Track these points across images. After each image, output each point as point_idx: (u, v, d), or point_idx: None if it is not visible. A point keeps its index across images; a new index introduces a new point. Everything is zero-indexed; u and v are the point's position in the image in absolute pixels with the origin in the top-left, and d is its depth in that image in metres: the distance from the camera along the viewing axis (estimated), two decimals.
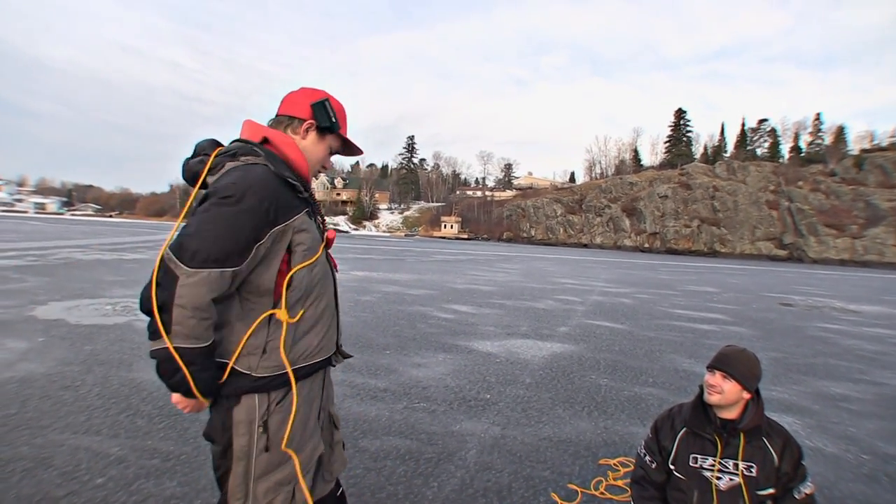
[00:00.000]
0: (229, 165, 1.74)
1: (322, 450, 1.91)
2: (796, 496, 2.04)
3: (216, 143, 1.85)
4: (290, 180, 1.77)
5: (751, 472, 2.14)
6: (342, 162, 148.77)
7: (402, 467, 3.79)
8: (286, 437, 1.75)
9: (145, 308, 1.59)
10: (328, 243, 1.95)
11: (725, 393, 2.19)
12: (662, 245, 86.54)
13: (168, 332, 1.56)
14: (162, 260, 1.59)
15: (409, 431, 4.47)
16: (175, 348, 1.58)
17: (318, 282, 1.84)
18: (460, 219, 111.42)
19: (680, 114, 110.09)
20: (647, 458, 2.42)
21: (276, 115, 1.93)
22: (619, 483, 3.74)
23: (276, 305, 1.74)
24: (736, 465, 2.17)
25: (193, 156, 1.82)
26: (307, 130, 1.87)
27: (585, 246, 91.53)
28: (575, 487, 3.64)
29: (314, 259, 1.80)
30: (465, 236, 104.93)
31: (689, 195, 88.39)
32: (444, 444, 4.26)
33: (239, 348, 1.72)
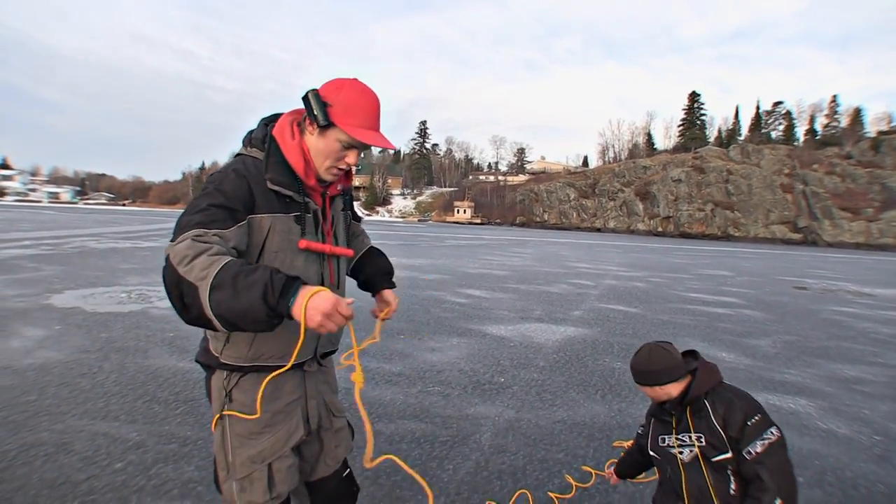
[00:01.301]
0: (238, 153, 1.85)
1: (301, 434, 1.89)
2: (746, 457, 2.07)
3: (264, 121, 1.91)
4: (271, 185, 1.73)
5: (701, 441, 2.20)
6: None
7: (417, 450, 3.81)
8: (243, 411, 1.80)
9: (177, 306, 1.50)
10: (325, 257, 1.90)
11: (670, 394, 2.28)
12: (676, 229, 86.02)
13: (200, 288, 1.44)
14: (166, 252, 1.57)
15: (423, 415, 4.49)
16: (212, 287, 1.43)
17: None
18: (473, 204, 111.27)
19: (694, 97, 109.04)
20: (640, 430, 2.57)
21: None
22: None
23: None
24: (690, 438, 2.24)
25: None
26: (310, 125, 1.78)
27: (599, 230, 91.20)
28: (589, 469, 3.64)
29: (282, 266, 1.74)
30: (478, 221, 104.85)
31: (703, 179, 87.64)
32: (459, 427, 4.28)
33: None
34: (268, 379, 1.75)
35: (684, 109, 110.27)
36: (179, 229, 1.56)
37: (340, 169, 1.84)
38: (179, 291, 1.46)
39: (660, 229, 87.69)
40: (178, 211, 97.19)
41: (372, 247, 2.30)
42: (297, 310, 1.43)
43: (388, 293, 2.19)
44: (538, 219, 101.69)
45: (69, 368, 5.17)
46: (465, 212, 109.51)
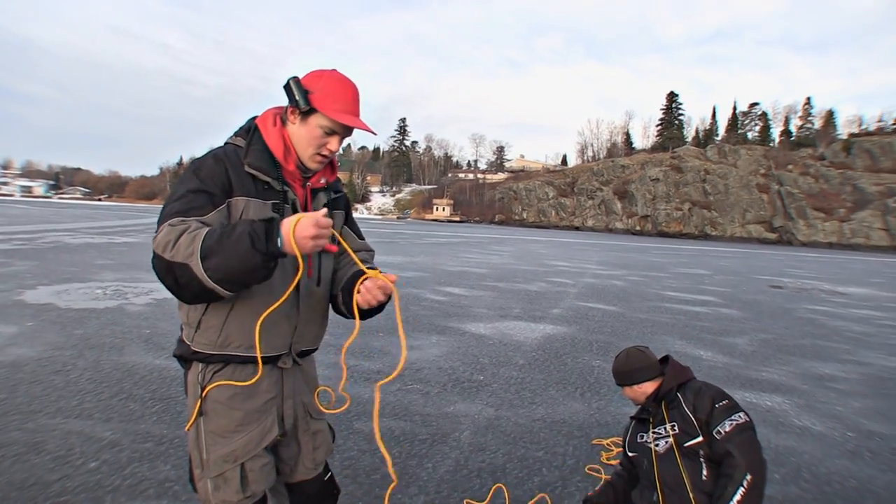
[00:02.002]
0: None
1: (275, 434, 1.87)
2: (717, 437, 2.20)
3: (252, 118, 1.92)
4: (249, 168, 1.74)
5: (675, 429, 2.33)
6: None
7: (396, 449, 3.80)
8: (217, 408, 1.79)
9: (175, 291, 1.57)
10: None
11: (646, 392, 2.48)
12: (654, 228, 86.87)
13: (191, 264, 1.49)
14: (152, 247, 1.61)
15: (403, 413, 4.48)
16: (202, 258, 1.49)
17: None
18: (452, 201, 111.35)
19: (672, 97, 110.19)
20: (622, 443, 2.73)
21: None
22: (613, 462, 3.77)
23: None
24: (666, 429, 2.34)
25: None
26: (292, 114, 1.79)
27: (577, 229, 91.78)
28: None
29: None
30: (457, 219, 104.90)
31: (681, 178, 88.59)
32: (439, 425, 4.27)
33: (184, 317, 1.79)
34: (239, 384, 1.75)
35: (662, 109, 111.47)
36: (161, 220, 1.62)
37: (323, 156, 1.83)
38: (173, 276, 1.53)
39: (638, 228, 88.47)
40: (155, 206, 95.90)
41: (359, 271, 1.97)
42: (288, 245, 1.51)
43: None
44: (517, 217, 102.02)
45: (42, 366, 5.07)
46: (444, 209, 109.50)
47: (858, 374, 6.68)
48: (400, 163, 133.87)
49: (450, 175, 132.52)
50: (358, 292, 1.80)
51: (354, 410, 4.43)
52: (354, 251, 1.94)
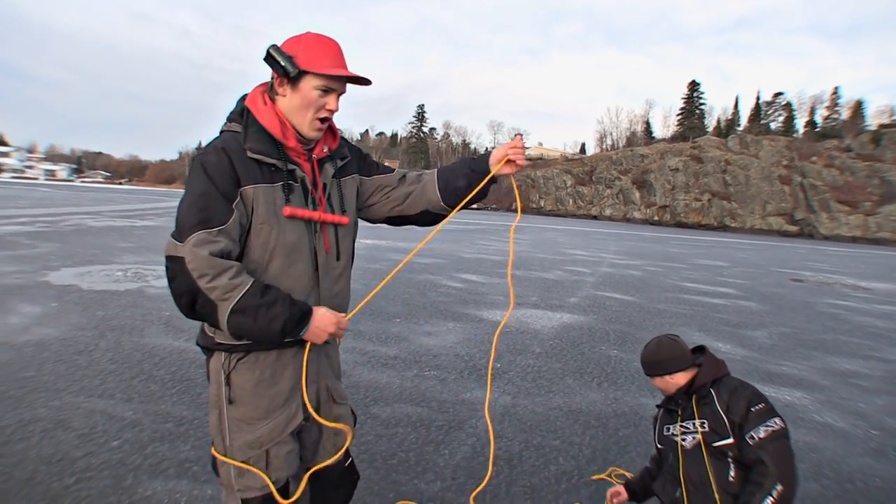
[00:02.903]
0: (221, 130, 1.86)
1: (300, 420, 1.87)
2: (749, 442, 2.12)
3: (241, 98, 1.88)
4: (251, 154, 1.72)
5: (705, 427, 2.25)
6: (352, 130, 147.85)
7: (413, 434, 3.82)
8: (242, 395, 1.80)
9: (185, 310, 1.65)
10: (317, 224, 1.85)
11: (678, 384, 2.36)
12: (672, 218, 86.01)
13: (220, 308, 1.60)
14: (165, 254, 1.65)
15: (420, 399, 4.50)
16: (233, 311, 1.59)
17: (272, 261, 1.75)
18: None
19: (693, 86, 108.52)
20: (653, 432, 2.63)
21: None
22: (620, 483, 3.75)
23: None
24: (695, 425, 2.28)
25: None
26: (280, 85, 1.75)
27: (595, 218, 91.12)
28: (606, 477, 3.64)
29: (269, 237, 1.74)
30: (474, 206, 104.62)
31: (701, 168, 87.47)
32: (455, 412, 4.29)
33: None
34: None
35: (683, 98, 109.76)
36: (181, 225, 1.64)
37: (324, 120, 1.80)
38: (192, 299, 1.60)
39: (656, 218, 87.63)
40: (175, 191, 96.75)
41: (440, 168, 2.12)
42: (308, 334, 1.73)
43: (495, 152, 2.00)
44: (534, 205, 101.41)
45: (66, 345, 5.16)
46: None
47: (882, 372, 6.58)
48: (418, 149, 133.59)
49: None
50: (506, 161, 1.97)
51: (371, 395, 4.46)
52: (390, 182, 2.10)
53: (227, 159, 1.69)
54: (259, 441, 1.79)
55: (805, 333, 8.49)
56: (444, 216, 2.10)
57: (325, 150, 1.91)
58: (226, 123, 1.84)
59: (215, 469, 1.86)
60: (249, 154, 1.72)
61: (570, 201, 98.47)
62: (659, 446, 2.46)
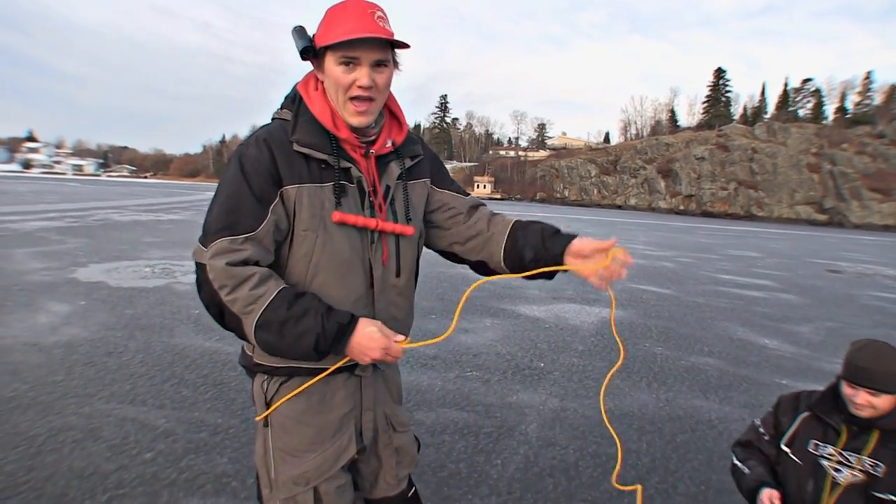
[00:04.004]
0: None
1: (352, 454, 1.61)
2: None
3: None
4: (298, 147, 1.46)
5: (876, 471, 1.88)
6: None
7: (461, 442, 3.59)
8: (286, 424, 1.58)
9: (217, 321, 1.47)
10: (375, 233, 1.55)
11: (878, 408, 1.91)
12: (698, 208, 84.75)
13: (245, 322, 1.39)
14: (194, 258, 1.45)
15: (464, 403, 4.27)
16: (257, 326, 1.37)
17: (317, 275, 1.49)
18: (493, 179, 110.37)
19: (719, 73, 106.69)
20: (762, 428, 2.21)
21: None
22: None
23: None
24: (861, 461, 1.91)
25: None
26: (317, 70, 1.51)
27: (619, 207, 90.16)
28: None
29: (313, 247, 1.47)
30: (498, 196, 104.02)
31: (727, 157, 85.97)
32: (503, 416, 4.05)
33: None
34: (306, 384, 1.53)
35: (709, 86, 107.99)
36: (207, 228, 1.43)
37: (357, 100, 1.46)
38: (220, 310, 1.42)
39: (681, 208, 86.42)
40: (200, 184, 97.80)
41: (518, 221, 1.74)
42: (351, 352, 1.44)
43: (579, 243, 1.58)
44: (559, 195, 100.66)
45: (95, 347, 5.01)
46: (485, 187, 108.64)
47: None
48: (441, 139, 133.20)
49: (490, 152, 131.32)
50: (600, 271, 1.53)
51: (414, 399, 4.24)
52: (459, 207, 1.77)
53: (268, 153, 1.44)
54: (305, 477, 1.55)
55: (853, 328, 8.12)
56: (499, 274, 1.75)
57: (389, 143, 1.59)
58: (278, 110, 1.59)
59: (261, 501, 1.64)
60: (296, 147, 1.45)
61: (595, 191, 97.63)
62: (790, 454, 2.07)
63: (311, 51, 1.45)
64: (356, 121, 1.48)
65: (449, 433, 3.71)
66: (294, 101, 1.55)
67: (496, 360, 5.39)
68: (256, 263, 1.41)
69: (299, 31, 1.47)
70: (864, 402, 1.90)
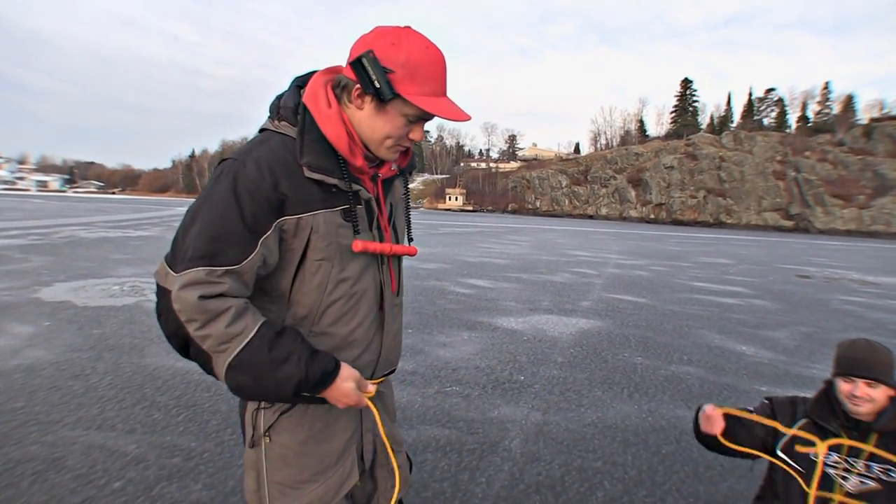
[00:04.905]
0: (263, 127, 1.45)
1: (356, 479, 1.54)
2: None
3: (296, 83, 1.47)
4: (309, 172, 1.34)
5: (891, 476, 1.85)
6: None
7: (444, 461, 3.49)
8: (286, 455, 1.48)
9: (180, 352, 1.41)
10: (385, 257, 1.51)
11: (876, 401, 1.89)
12: (668, 216, 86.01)
13: (215, 360, 1.30)
14: (156, 279, 1.36)
15: (445, 419, 4.17)
16: (229, 366, 1.27)
17: (331, 305, 1.41)
18: (465, 190, 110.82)
19: (686, 83, 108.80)
20: (751, 408, 2.13)
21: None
22: None
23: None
24: (868, 467, 1.88)
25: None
26: (360, 97, 1.34)
27: (591, 217, 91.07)
28: None
29: (328, 277, 1.39)
30: (470, 208, 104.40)
31: (696, 166, 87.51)
32: (485, 432, 3.97)
33: None
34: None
35: (676, 96, 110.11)
36: (180, 249, 1.29)
37: (403, 146, 1.43)
38: (184, 343, 1.34)
39: (652, 216, 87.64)
40: (170, 200, 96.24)
41: None
42: (328, 394, 1.37)
43: None
44: (530, 206, 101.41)
45: (60, 370, 4.80)
46: (456, 199, 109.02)
47: None
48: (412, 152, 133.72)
49: (462, 164, 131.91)
50: None
51: None
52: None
53: (270, 180, 1.30)
54: None
55: (826, 332, 8.22)
56: None
57: (394, 167, 1.54)
58: (271, 119, 1.44)
59: None
60: (307, 172, 1.33)
61: (566, 201, 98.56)
62: (788, 459, 2.02)
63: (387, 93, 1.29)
64: (392, 158, 1.46)
65: (431, 451, 3.61)
66: (296, 114, 1.40)
67: (476, 374, 5.31)
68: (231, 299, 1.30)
69: (375, 63, 1.27)
70: (864, 394, 1.88)
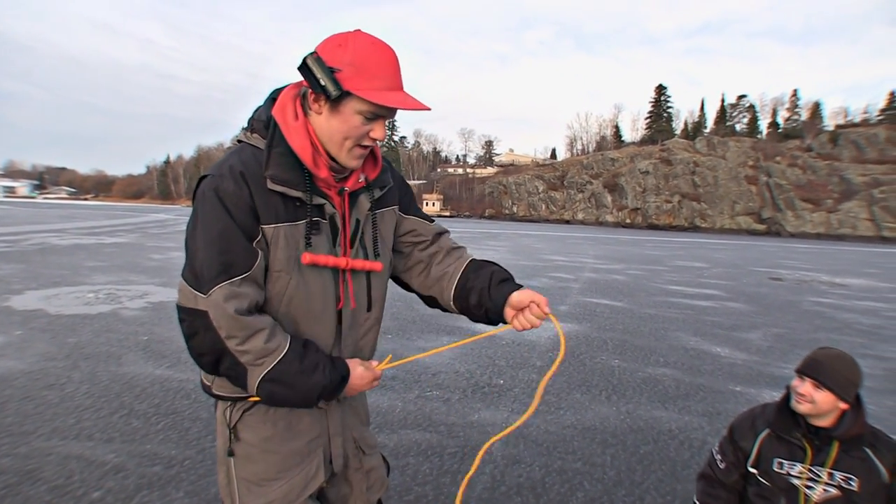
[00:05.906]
0: (238, 139, 1.49)
1: (321, 481, 1.57)
2: None
3: (272, 96, 1.50)
4: (273, 184, 1.36)
5: (850, 485, 1.91)
6: None
7: (426, 465, 3.51)
8: (251, 452, 1.53)
9: (208, 369, 1.41)
10: (344, 273, 1.51)
11: (817, 403, 1.94)
12: (644, 220, 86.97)
13: (251, 372, 1.35)
14: (179, 304, 1.36)
15: (426, 423, 4.20)
16: (265, 379, 1.35)
17: (287, 314, 1.44)
18: (442, 196, 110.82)
19: (661, 90, 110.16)
20: (718, 456, 2.21)
21: None
22: None
23: None
24: (831, 475, 1.93)
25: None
26: (315, 101, 1.36)
27: (568, 222, 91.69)
28: None
29: (286, 288, 1.42)
30: (447, 214, 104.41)
31: (670, 171, 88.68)
32: (466, 436, 4.00)
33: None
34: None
35: (651, 102, 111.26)
36: (201, 273, 1.32)
37: (365, 147, 1.43)
38: (216, 358, 1.35)
39: (628, 221, 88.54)
40: (144, 206, 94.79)
41: (473, 260, 1.75)
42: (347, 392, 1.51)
43: (518, 296, 1.59)
44: (507, 211, 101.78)
45: (34, 379, 4.73)
46: (434, 204, 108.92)
47: (882, 370, 6.47)
48: (389, 158, 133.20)
49: (439, 170, 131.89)
50: (515, 318, 1.60)
51: (375, 422, 4.14)
52: (425, 233, 1.77)
53: (244, 188, 1.35)
54: None
55: (797, 333, 8.41)
56: (448, 311, 1.82)
57: (362, 179, 1.54)
58: (245, 130, 1.48)
59: None
60: (270, 185, 1.36)
61: (543, 206, 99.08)
62: (760, 478, 2.06)
63: (332, 90, 1.31)
64: (354, 164, 1.44)
65: (413, 455, 3.64)
66: (268, 127, 1.42)
67: (455, 378, 5.34)
68: (257, 304, 1.37)
69: (320, 63, 1.30)
70: (806, 392, 1.94)
